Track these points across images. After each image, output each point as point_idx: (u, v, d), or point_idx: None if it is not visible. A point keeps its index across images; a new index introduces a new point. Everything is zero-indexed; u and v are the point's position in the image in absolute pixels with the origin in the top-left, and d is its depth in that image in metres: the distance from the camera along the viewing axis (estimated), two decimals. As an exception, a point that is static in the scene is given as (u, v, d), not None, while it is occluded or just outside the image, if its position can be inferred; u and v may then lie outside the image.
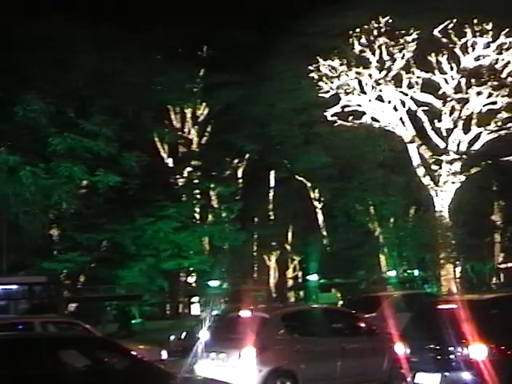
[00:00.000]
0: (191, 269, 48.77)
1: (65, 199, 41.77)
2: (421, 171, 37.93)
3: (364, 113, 38.19)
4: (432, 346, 14.56)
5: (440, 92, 36.82)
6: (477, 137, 36.91)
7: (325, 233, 56.31)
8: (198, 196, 50.04)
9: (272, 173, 55.83)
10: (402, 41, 36.52)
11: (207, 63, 50.46)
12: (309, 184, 55.90)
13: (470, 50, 36.02)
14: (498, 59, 36.18)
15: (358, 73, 37.22)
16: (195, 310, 48.03)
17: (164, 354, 20.42)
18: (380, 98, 37.73)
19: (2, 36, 37.78)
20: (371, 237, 52.88)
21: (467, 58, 36.10)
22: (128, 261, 43.39)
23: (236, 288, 45.93)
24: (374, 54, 36.92)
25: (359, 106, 37.99)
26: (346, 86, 37.53)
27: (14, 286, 32.98)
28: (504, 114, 35.99)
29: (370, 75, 37.13)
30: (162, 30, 44.43)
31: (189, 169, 49.75)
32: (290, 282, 59.55)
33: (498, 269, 52.25)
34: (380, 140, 45.00)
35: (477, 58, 36.22)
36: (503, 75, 36.13)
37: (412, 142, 38.11)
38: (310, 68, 38.04)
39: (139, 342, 20.53)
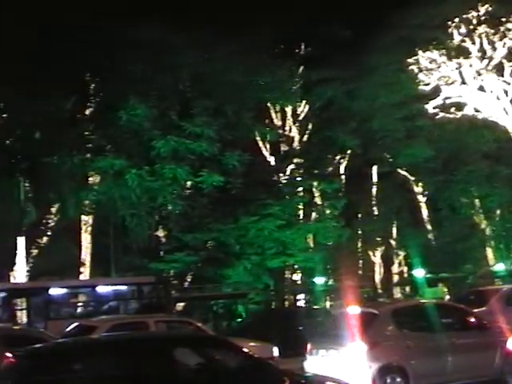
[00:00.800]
0: (296, 266, 48.84)
1: (170, 200, 42.37)
2: (527, 161, 37.24)
3: (466, 104, 37.63)
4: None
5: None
6: None
7: (429, 227, 55.66)
8: (301, 193, 50.07)
9: (374, 168, 55.43)
10: (502, 29, 35.88)
11: (305, 60, 50.44)
12: (412, 178, 55.33)
13: None
14: None
15: (458, 63, 36.72)
16: (301, 307, 48.06)
17: (275, 352, 20.52)
18: (482, 88, 37.11)
19: (105, 42, 38.61)
20: (477, 230, 52.05)
21: None
22: (233, 259, 43.72)
23: (341, 285, 45.79)
24: (474, 43, 36.35)
25: (460, 97, 37.46)
26: (446, 77, 37.06)
27: (124, 287, 33.70)
28: None
29: (470, 65, 36.59)
30: (259, 29, 44.63)
31: (291, 166, 49.81)
32: (396, 278, 59.04)
33: None
34: (483, 131, 44.25)
35: None
36: None
37: (516, 131, 37.43)
38: (410, 61, 37.71)
39: (249, 339, 20.65)
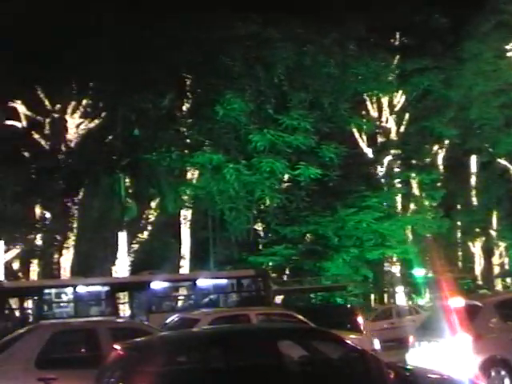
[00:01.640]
0: (395, 258, 48.51)
1: (268, 194, 42.62)
2: None
3: None
4: None
5: None
6: None
7: (531, 217, 54.56)
8: (399, 185, 49.67)
9: (473, 157, 54.63)
10: None
11: (401, 50, 49.97)
12: (512, 167, 54.38)
13: None
14: None
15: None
16: (400, 299, 47.72)
17: (376, 344, 20.45)
18: None
19: (205, 38, 39.07)
20: None
21: None
22: (331, 252, 43.68)
23: (441, 276, 45.22)
24: None
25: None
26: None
27: (224, 280, 33.90)
28: None
29: None
30: (354, 20, 44.41)
31: (388, 158, 49.42)
32: (497, 269, 57.98)
33: None
34: None
35: None
36: None
37: None
38: (508, 47, 36.99)
39: (350, 331, 20.63)
